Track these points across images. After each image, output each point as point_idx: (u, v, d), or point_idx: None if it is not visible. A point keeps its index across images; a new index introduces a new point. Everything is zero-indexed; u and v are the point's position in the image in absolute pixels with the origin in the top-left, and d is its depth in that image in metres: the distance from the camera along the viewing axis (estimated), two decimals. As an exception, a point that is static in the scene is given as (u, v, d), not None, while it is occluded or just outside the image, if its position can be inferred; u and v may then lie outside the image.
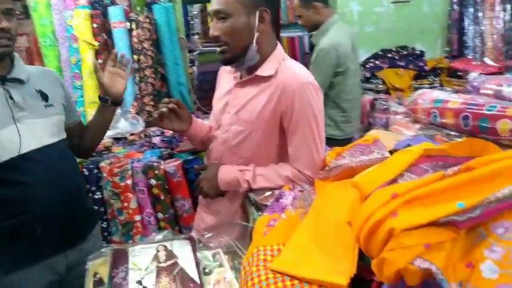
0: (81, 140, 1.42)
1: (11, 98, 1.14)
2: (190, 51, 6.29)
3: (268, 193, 1.16)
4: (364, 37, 3.01)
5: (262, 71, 1.17)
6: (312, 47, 2.62)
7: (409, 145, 1.02)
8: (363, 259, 0.75)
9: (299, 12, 2.24)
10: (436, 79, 2.86)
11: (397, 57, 2.92)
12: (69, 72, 2.57)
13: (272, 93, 1.15)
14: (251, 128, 1.18)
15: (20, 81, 1.19)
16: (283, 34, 6.01)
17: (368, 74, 2.90)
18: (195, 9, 6.71)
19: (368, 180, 0.78)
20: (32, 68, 1.31)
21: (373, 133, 1.27)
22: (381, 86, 2.84)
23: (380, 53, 2.99)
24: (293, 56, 6.11)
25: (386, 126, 2.62)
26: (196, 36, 7.00)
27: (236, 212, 1.27)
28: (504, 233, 0.60)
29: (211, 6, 1.14)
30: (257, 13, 1.12)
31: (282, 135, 1.20)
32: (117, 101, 1.37)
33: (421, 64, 2.91)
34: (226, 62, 1.20)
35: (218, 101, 1.31)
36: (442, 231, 0.62)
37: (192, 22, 7.12)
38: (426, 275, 0.61)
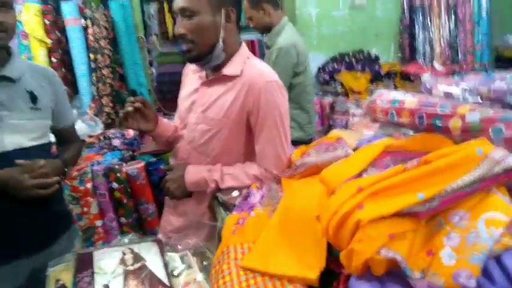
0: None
1: None
2: (149, 52, 6.15)
3: (236, 192, 1.16)
4: (322, 40, 3.10)
5: (228, 70, 1.18)
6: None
7: (370, 142, 1.07)
8: (331, 253, 0.78)
9: (249, 13, 2.26)
10: (390, 82, 3.02)
11: (354, 61, 3.04)
12: (19, 72, 2.43)
13: (238, 91, 1.16)
14: (218, 127, 1.19)
15: (9, 80, 1.14)
16: (243, 36, 6.06)
17: (327, 77, 2.99)
18: (152, 9, 6.58)
19: (334, 175, 0.81)
20: (30, 65, 1.26)
21: (335, 132, 1.32)
22: (339, 88, 2.94)
23: (338, 56, 3.10)
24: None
25: (346, 128, 2.72)
26: (154, 37, 6.86)
27: (204, 212, 1.27)
28: (459, 221, 0.65)
29: (177, 4, 1.13)
30: (223, 12, 1.13)
31: (248, 134, 1.21)
32: None
33: (377, 68, 3.05)
34: (191, 60, 1.19)
35: (184, 100, 1.30)
36: (405, 222, 0.66)
37: (149, 23, 6.98)
38: (391, 264, 0.65)
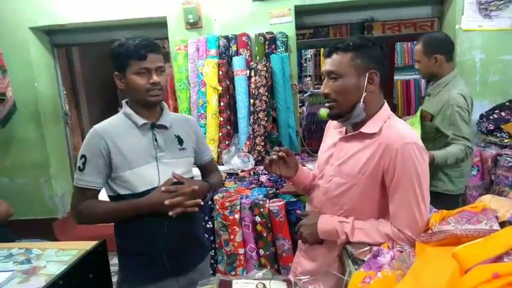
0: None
1: (156, 140, 1.39)
2: (301, 92, 6.57)
3: (366, 248, 1.17)
4: (488, 87, 2.79)
5: (366, 128, 1.22)
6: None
7: (525, 218, 0.95)
8: (460, 336, 0.73)
9: (419, 57, 2.21)
10: None
11: (528, 110, 2.62)
12: (196, 112, 2.98)
13: (375, 150, 1.18)
14: (352, 182, 1.23)
15: (164, 127, 1.42)
16: (398, 77, 5.88)
17: (491, 127, 2.66)
18: (309, 53, 7.07)
19: (470, 253, 0.76)
20: (175, 115, 1.55)
21: (486, 199, 1.19)
22: (506, 140, 2.56)
23: (507, 104, 2.72)
24: (407, 99, 5.91)
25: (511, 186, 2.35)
26: (308, 79, 7.32)
27: (333, 261, 1.31)
28: None
29: (325, 67, 1.25)
30: (367, 75, 1.19)
31: (383, 192, 1.21)
32: None
33: (560, 118, 2.55)
34: (332, 117, 1.29)
35: (323, 153, 1.39)
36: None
37: (305, 65, 7.49)
38: None
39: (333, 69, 1.21)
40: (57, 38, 3.49)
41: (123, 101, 1.44)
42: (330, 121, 1.44)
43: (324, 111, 2.34)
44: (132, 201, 1.35)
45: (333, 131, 1.39)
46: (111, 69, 1.40)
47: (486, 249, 0.75)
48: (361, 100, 1.20)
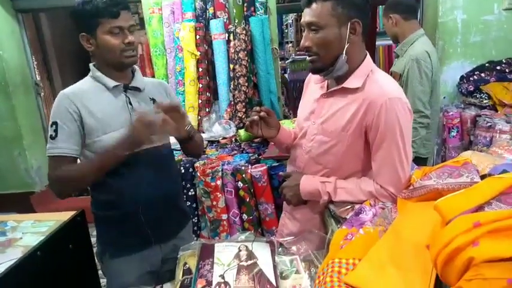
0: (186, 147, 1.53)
1: (130, 103, 1.34)
2: (283, 58, 6.44)
3: (348, 206, 1.17)
4: (469, 47, 2.78)
5: (349, 83, 1.18)
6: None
7: (505, 171, 0.95)
8: (441, 286, 0.74)
9: (383, 21, 2.28)
10: (556, 95, 2.51)
11: (507, 70, 2.63)
12: (173, 79, 2.88)
13: (358, 106, 1.15)
14: (336, 140, 1.21)
15: (138, 89, 1.37)
16: (380, 42, 5.81)
17: (471, 88, 2.67)
18: (290, 18, 6.90)
19: (451, 205, 0.76)
20: (148, 79, 1.49)
21: (467, 154, 1.19)
22: (485, 101, 2.59)
23: (487, 65, 2.73)
24: (390, 64, 5.88)
25: (489, 146, 2.39)
26: (289, 45, 7.18)
27: (316, 220, 1.31)
28: None
29: (304, 18, 1.17)
30: (349, 24, 1.13)
31: (366, 149, 1.20)
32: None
33: (538, 78, 2.58)
34: (315, 71, 1.24)
35: (303, 108, 1.36)
36: (530, 268, 0.59)
37: (286, 31, 7.33)
38: (508, 311, 0.59)
39: (313, 21, 1.13)
40: (20, 2, 3.26)
41: (91, 65, 1.36)
42: (309, 76, 1.39)
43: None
44: (107, 147, 1.25)
45: (313, 86, 1.34)
46: (76, 31, 1.29)
47: (467, 200, 0.75)
48: (344, 52, 1.15)
